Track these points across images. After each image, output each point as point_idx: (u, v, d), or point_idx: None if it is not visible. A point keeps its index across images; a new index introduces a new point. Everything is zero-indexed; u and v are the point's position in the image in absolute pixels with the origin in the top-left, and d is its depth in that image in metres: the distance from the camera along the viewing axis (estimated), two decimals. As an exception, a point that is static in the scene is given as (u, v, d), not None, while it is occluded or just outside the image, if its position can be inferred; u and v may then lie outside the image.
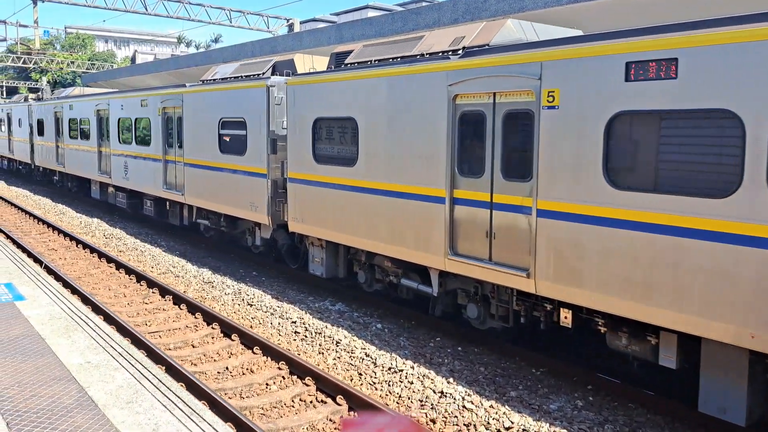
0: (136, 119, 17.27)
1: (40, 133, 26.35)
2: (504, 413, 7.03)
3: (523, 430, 6.69)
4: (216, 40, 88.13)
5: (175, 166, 15.54)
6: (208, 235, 15.80)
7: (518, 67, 7.40)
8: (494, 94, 7.75)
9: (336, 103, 10.30)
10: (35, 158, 27.81)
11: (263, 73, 13.04)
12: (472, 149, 8.11)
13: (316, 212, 10.95)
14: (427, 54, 9.10)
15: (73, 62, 60.69)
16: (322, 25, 35.54)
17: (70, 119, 22.43)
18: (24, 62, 57.63)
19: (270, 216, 12.31)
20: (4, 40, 34.76)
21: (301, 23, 35.07)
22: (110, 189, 20.55)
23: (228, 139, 13.31)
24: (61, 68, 60.22)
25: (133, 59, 74.46)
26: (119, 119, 18.40)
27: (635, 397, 7.38)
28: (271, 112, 12.11)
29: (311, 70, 12.83)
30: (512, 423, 6.82)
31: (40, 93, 36.85)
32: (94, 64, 58.99)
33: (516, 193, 7.56)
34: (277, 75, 12.79)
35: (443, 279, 8.97)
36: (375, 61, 10.05)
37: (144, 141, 16.91)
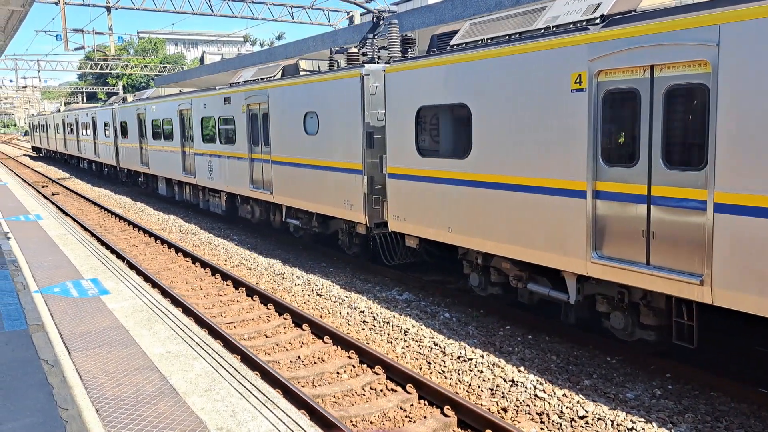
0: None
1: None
2: (578, 402, 6.89)
3: (598, 419, 6.53)
4: (279, 38, 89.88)
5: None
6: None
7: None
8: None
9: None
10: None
11: None
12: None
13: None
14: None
15: (146, 66, 63.38)
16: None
17: None
18: (101, 68, 60.67)
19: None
20: (83, 47, 36.56)
21: (361, 15, 35.22)
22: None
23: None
24: (132, 73, 62.95)
25: (201, 60, 76.98)
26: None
27: (718, 385, 7.06)
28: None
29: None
30: (587, 412, 6.67)
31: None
32: (165, 67, 61.38)
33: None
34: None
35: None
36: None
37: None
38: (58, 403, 5.47)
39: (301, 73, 14.20)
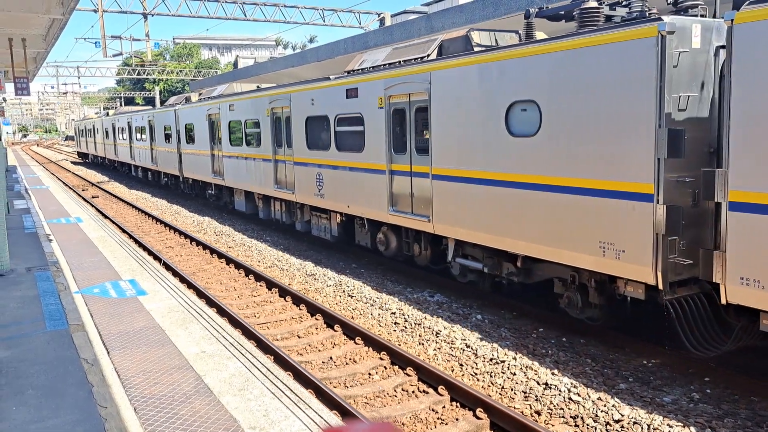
0: None
1: None
2: (613, 405, 6.77)
3: (634, 422, 6.42)
4: (311, 41, 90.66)
5: None
6: None
7: None
8: None
9: None
10: None
11: None
12: None
13: None
14: None
15: (181, 71, 64.58)
16: (413, 16, 35.55)
17: None
18: (138, 74, 62.06)
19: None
20: (120, 54, 37.42)
21: (392, 16, 35.27)
22: None
23: None
24: (169, 78, 64.18)
25: (235, 64, 78.11)
26: None
27: (759, 390, 6.86)
28: None
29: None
30: (622, 416, 6.55)
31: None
32: (200, 71, 62.45)
33: None
34: None
35: None
36: None
37: None
38: (97, 401, 5.62)
39: (475, 48, 10.29)
